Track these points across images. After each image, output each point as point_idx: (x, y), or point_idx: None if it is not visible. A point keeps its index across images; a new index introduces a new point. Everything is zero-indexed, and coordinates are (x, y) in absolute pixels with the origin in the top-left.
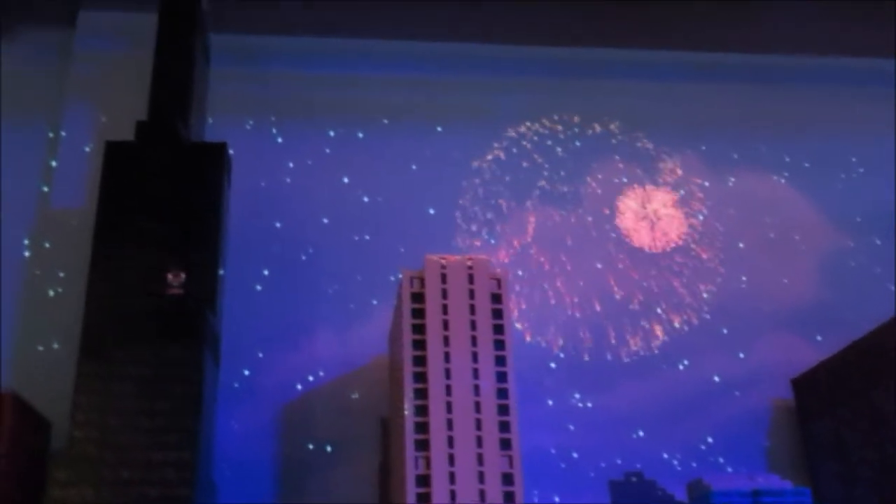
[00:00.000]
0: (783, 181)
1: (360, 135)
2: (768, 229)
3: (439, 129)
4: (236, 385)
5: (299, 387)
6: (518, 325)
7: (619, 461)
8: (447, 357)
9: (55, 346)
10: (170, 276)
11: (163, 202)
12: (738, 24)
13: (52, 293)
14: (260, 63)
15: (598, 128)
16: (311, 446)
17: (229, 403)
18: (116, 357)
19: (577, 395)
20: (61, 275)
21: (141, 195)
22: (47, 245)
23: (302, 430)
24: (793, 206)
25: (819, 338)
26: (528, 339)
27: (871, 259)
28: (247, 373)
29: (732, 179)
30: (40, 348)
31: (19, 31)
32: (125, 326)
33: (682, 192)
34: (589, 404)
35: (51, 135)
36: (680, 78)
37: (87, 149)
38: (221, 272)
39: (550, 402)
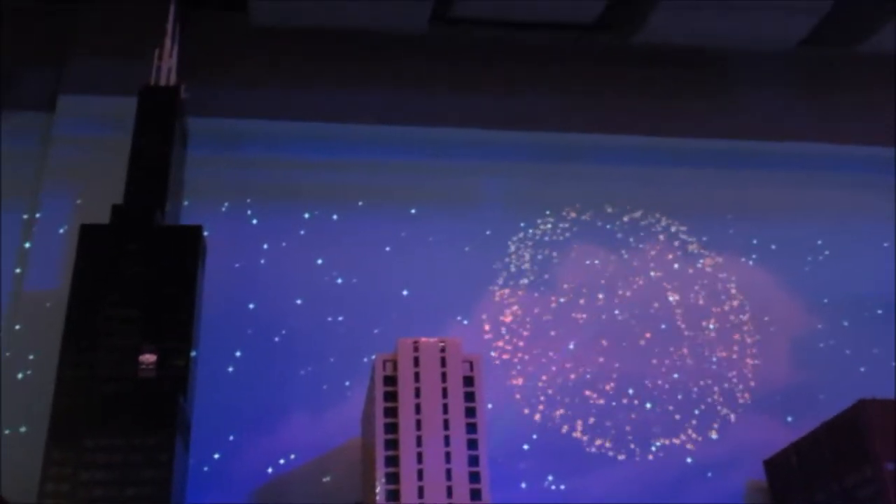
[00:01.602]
0: (751, 263)
1: (335, 217)
2: (738, 310)
3: (413, 211)
4: (206, 469)
5: (270, 470)
6: (491, 407)
7: None
8: (419, 441)
9: (22, 429)
10: (141, 359)
11: (136, 285)
12: (705, 110)
13: (20, 376)
14: (237, 146)
15: (571, 212)
16: None
17: (199, 488)
18: (86, 444)
19: (551, 478)
20: (31, 357)
21: (114, 278)
22: (18, 327)
23: None
24: (762, 287)
25: (790, 418)
26: (501, 421)
27: (840, 341)
28: (217, 456)
29: (701, 262)
30: (7, 432)
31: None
32: (95, 412)
33: (652, 274)
34: (562, 487)
35: (25, 216)
36: (649, 162)
37: (62, 230)
38: (194, 353)
39: (524, 486)
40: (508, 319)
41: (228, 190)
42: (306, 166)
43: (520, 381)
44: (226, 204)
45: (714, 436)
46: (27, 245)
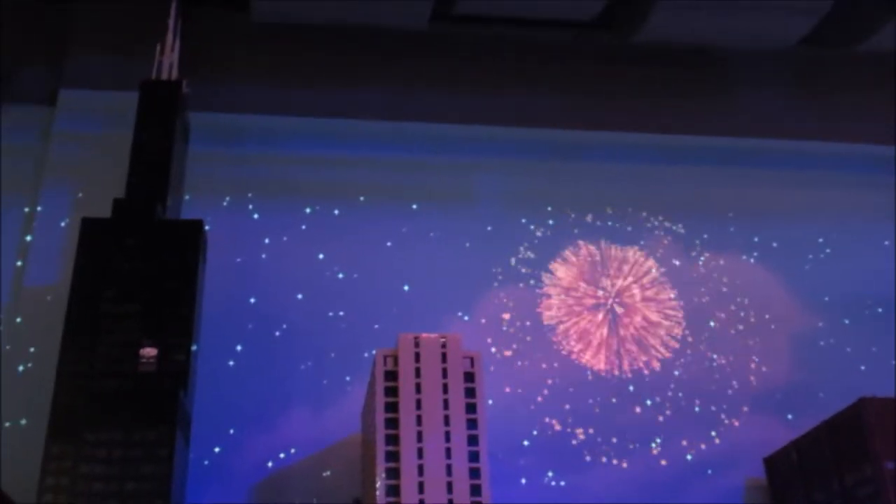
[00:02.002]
0: (752, 261)
1: (336, 212)
2: (738, 309)
3: (414, 207)
4: (206, 463)
5: (271, 465)
6: (491, 403)
7: None
8: (420, 436)
9: (23, 422)
10: (142, 353)
11: (137, 279)
12: (706, 109)
13: (21, 369)
14: (238, 141)
15: (571, 208)
16: None
17: (199, 482)
18: (86, 439)
19: (551, 474)
20: (32, 350)
21: (115, 272)
22: (18, 320)
23: None
24: (762, 285)
25: (790, 416)
26: (501, 417)
27: (840, 339)
28: (217, 450)
29: (703, 259)
30: (7, 424)
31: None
32: (96, 406)
33: (653, 271)
34: (562, 483)
35: (26, 210)
36: (650, 160)
37: (63, 224)
38: (195, 348)
39: (524, 481)
40: (509, 315)
41: (229, 185)
42: (307, 162)
43: (520, 378)
44: (227, 199)
45: (714, 433)
46: (28, 239)
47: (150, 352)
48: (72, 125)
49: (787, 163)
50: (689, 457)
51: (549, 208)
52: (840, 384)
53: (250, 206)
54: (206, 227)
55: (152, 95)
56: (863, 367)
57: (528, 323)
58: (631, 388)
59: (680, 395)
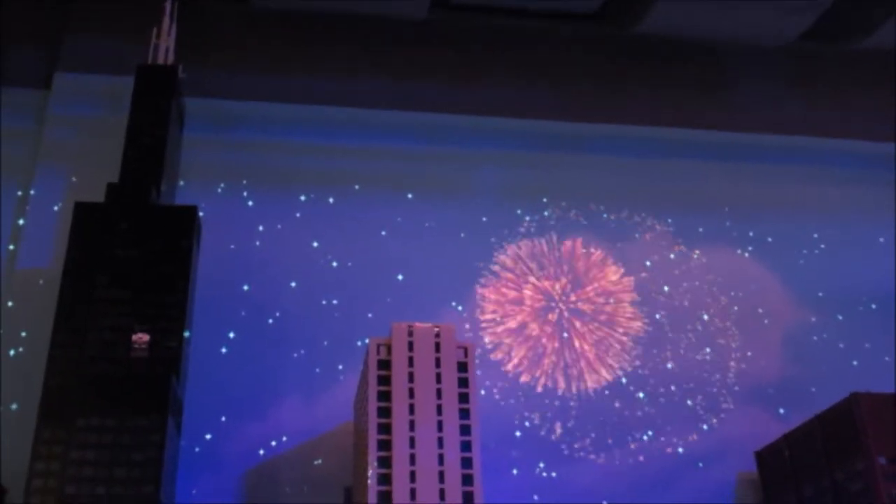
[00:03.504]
0: (747, 255)
1: (331, 200)
2: (732, 302)
3: (410, 196)
4: (197, 450)
5: (262, 452)
6: (483, 393)
7: None
8: (412, 425)
9: (14, 406)
10: (134, 338)
11: (130, 264)
12: (703, 103)
13: (13, 353)
14: (234, 128)
15: (566, 200)
16: None
17: (190, 469)
18: (77, 424)
19: (542, 465)
20: (24, 334)
21: (108, 257)
22: (10, 304)
23: (264, 498)
24: (756, 280)
25: (782, 411)
26: (493, 407)
27: (833, 335)
28: (209, 437)
29: (697, 252)
30: None
31: None
32: (87, 392)
33: (648, 263)
34: (553, 474)
35: (20, 193)
36: (646, 153)
37: (56, 208)
38: (187, 334)
39: (515, 472)
40: (503, 306)
41: (224, 171)
42: (303, 149)
43: (513, 369)
44: (221, 185)
45: (706, 427)
46: (21, 222)
47: (142, 338)
48: (67, 109)
49: (783, 158)
50: (680, 450)
51: (545, 199)
52: (832, 379)
53: (245, 193)
54: (200, 214)
55: (148, 80)
56: (855, 363)
57: (522, 314)
58: (624, 380)
59: (672, 388)
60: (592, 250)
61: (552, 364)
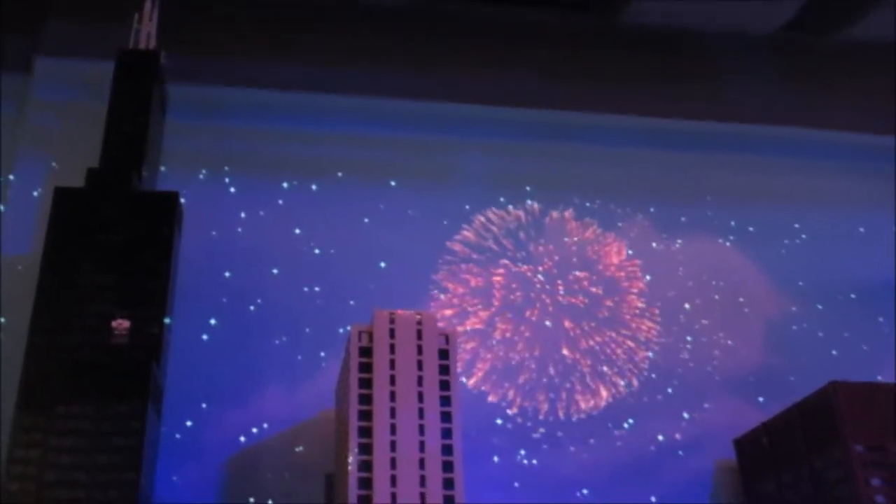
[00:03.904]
0: (729, 245)
1: (314, 187)
2: (713, 292)
3: (393, 183)
4: (178, 436)
5: (243, 439)
6: (465, 381)
7: None
8: (393, 412)
9: None
10: (114, 324)
11: (111, 250)
12: (688, 94)
13: None
14: (217, 114)
15: (550, 189)
16: (252, 500)
17: (171, 456)
18: (57, 411)
19: (523, 453)
20: (3, 321)
21: (89, 242)
22: None
23: (244, 485)
24: (738, 269)
25: (761, 399)
26: (475, 395)
27: (813, 324)
28: (189, 424)
29: (679, 242)
30: None
31: None
32: (67, 379)
33: (630, 252)
34: (534, 462)
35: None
36: (631, 142)
37: (36, 193)
38: (168, 321)
39: (496, 459)
40: (486, 295)
41: (206, 158)
42: (286, 136)
43: (495, 356)
44: (203, 171)
45: (686, 415)
46: (1, 208)
47: (122, 324)
48: (48, 94)
49: (765, 149)
50: (660, 437)
51: (529, 188)
52: (812, 368)
53: (227, 180)
54: (182, 200)
55: (130, 65)
56: (834, 352)
57: (505, 302)
58: (604, 368)
59: (653, 376)
60: (575, 238)
61: (533, 351)
